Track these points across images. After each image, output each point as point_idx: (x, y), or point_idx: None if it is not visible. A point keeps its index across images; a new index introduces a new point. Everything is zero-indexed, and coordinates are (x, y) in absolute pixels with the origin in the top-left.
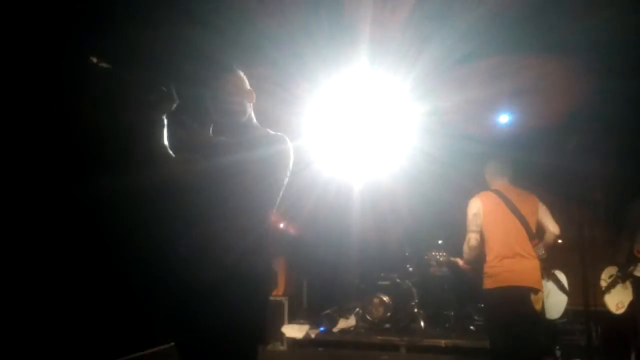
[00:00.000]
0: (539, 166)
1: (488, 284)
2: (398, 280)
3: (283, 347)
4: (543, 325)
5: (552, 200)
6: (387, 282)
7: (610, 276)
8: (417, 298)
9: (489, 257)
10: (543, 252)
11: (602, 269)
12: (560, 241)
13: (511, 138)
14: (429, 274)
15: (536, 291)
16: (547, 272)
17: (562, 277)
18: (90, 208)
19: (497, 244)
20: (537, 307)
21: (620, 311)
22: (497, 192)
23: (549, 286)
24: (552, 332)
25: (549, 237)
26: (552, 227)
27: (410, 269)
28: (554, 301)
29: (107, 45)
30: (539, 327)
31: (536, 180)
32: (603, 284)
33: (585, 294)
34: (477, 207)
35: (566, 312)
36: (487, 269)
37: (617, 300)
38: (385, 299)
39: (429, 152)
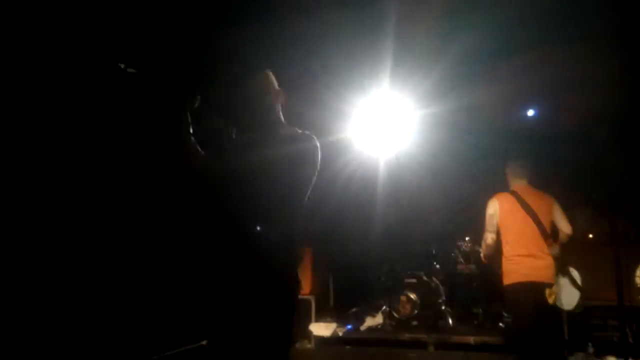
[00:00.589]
0: (570, 162)
1: (506, 280)
2: (425, 277)
3: (311, 346)
4: (554, 316)
5: (583, 197)
6: (413, 280)
7: None
8: (445, 295)
9: (506, 255)
10: (557, 250)
11: (637, 266)
12: (591, 236)
13: (539, 133)
14: (456, 271)
15: (550, 285)
16: (561, 269)
17: (575, 273)
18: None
19: (512, 243)
20: (550, 300)
21: None
22: (514, 194)
23: (563, 282)
24: (584, 328)
25: (562, 237)
26: (565, 228)
27: (437, 266)
28: (567, 294)
29: (134, 50)
30: (550, 317)
31: (566, 177)
32: (638, 280)
33: (619, 289)
34: (493, 208)
35: (585, 307)
36: (505, 266)
37: None
38: (413, 296)
39: (456, 150)
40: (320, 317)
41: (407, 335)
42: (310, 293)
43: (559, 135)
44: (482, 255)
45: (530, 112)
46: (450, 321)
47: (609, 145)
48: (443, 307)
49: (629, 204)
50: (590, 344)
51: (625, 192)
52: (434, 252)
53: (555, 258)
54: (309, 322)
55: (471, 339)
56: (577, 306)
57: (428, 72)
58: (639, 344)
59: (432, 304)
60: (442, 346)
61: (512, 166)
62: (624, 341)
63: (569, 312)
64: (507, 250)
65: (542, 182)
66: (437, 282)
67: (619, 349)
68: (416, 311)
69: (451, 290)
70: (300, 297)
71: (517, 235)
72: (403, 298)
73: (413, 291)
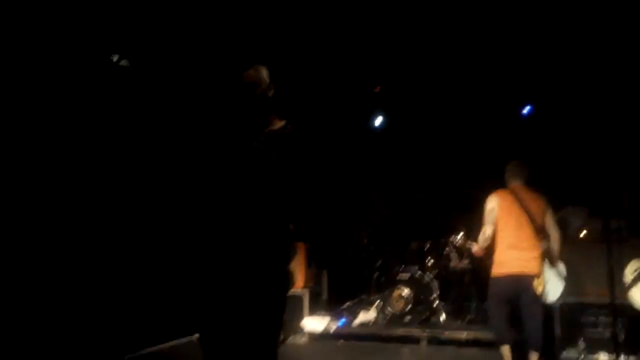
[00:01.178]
0: (563, 159)
1: (496, 271)
2: (418, 273)
3: (304, 340)
4: (542, 305)
5: (576, 193)
6: (407, 275)
7: (635, 270)
8: (438, 291)
9: (500, 248)
10: (547, 245)
11: (627, 263)
12: (584, 233)
13: (534, 130)
14: (449, 268)
15: (537, 276)
16: (549, 263)
17: (561, 267)
18: None
19: (507, 236)
20: (539, 290)
21: None
22: (512, 192)
23: (549, 274)
24: (575, 325)
25: (553, 240)
26: (554, 230)
27: (431, 262)
28: (552, 287)
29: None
30: (537, 306)
31: (559, 174)
32: (628, 278)
33: (611, 286)
34: (493, 204)
35: (577, 303)
36: (497, 258)
37: None
38: (406, 292)
39: (448, 148)
40: (313, 312)
41: (399, 331)
42: (304, 287)
43: (553, 132)
44: (476, 247)
45: (528, 109)
46: (443, 317)
47: (602, 143)
48: (436, 303)
49: (622, 202)
50: (581, 340)
51: (619, 190)
52: (427, 248)
53: (545, 252)
54: (302, 316)
55: (463, 335)
56: (560, 298)
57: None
58: (630, 340)
59: (425, 300)
60: (434, 341)
61: (511, 167)
62: (614, 338)
63: (561, 308)
64: (500, 243)
65: (538, 179)
66: (431, 277)
67: (610, 345)
68: (409, 306)
69: (444, 286)
70: (293, 291)
71: (512, 229)
72: (396, 293)
73: (406, 287)
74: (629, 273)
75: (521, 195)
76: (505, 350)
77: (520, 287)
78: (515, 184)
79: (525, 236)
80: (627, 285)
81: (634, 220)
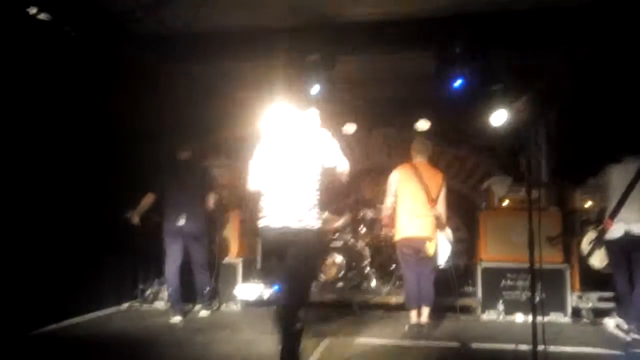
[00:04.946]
0: (486, 129)
1: (397, 235)
2: (351, 241)
3: (237, 307)
4: (434, 265)
5: (502, 163)
6: (340, 243)
7: (590, 242)
8: (369, 258)
9: (399, 216)
10: (437, 213)
11: (584, 234)
12: (507, 202)
13: (462, 101)
14: (380, 236)
15: (430, 239)
16: (440, 228)
17: (449, 232)
18: None
19: (405, 206)
20: (431, 252)
21: (603, 265)
22: (413, 167)
23: (440, 238)
24: (495, 288)
25: (442, 209)
26: (443, 205)
27: (364, 229)
28: (441, 250)
29: None
30: (428, 265)
31: (486, 143)
32: (585, 248)
33: (530, 252)
34: (394, 178)
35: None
36: (397, 224)
37: (599, 259)
38: (339, 259)
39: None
40: (248, 280)
41: (331, 296)
42: (238, 256)
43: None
44: (383, 216)
45: (458, 83)
46: (374, 283)
47: (527, 111)
48: (367, 270)
49: (543, 174)
50: (501, 302)
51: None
52: (362, 215)
53: (437, 218)
54: (236, 284)
55: (392, 299)
56: (447, 260)
57: None
58: (545, 303)
59: (357, 267)
60: (364, 306)
61: (415, 144)
62: (531, 300)
63: (482, 272)
64: (400, 212)
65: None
66: (363, 245)
67: (526, 307)
68: (342, 273)
69: (376, 253)
70: (227, 260)
71: (409, 200)
72: (330, 260)
73: (340, 254)
74: (585, 243)
75: (420, 170)
76: (413, 312)
77: (415, 248)
78: (418, 159)
79: (421, 206)
80: (584, 254)
81: (551, 188)
